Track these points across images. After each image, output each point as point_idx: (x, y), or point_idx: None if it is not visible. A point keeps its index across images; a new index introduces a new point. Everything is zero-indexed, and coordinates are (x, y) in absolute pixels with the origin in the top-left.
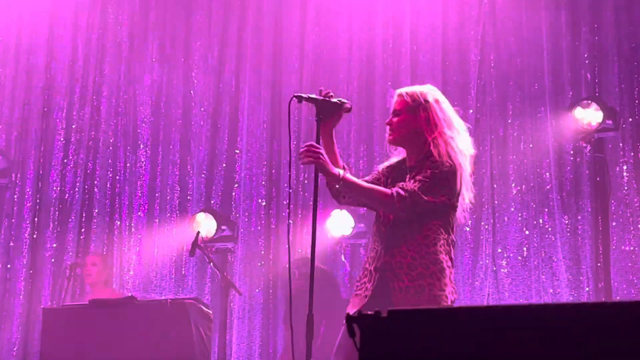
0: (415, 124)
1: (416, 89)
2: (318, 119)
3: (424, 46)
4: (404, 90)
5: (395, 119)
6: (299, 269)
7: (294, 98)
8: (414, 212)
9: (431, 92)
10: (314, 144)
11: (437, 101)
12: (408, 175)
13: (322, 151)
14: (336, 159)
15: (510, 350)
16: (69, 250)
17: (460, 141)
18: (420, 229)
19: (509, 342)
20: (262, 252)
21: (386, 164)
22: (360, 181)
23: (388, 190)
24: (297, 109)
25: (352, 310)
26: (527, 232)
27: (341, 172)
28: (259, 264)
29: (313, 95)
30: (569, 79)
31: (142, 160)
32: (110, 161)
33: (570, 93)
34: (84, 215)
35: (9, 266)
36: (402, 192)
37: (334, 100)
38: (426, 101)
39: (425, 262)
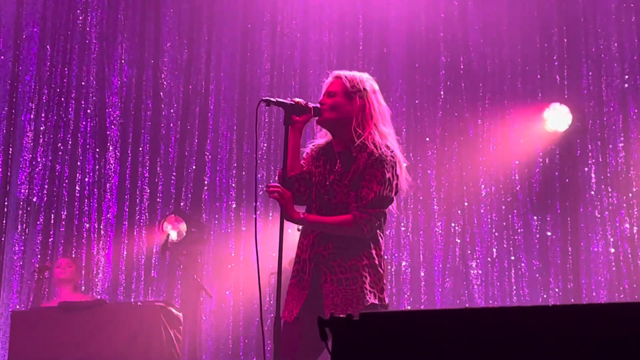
0: (350, 109)
1: (356, 74)
2: (286, 123)
3: (394, 48)
4: (342, 72)
5: (329, 100)
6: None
7: (262, 102)
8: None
9: (369, 80)
10: (278, 187)
11: (374, 91)
12: (348, 174)
13: (287, 195)
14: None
15: (485, 353)
16: (37, 253)
17: (393, 139)
18: None
19: (483, 345)
20: (232, 254)
21: (309, 151)
22: (321, 218)
23: (349, 217)
24: (267, 111)
25: (292, 302)
26: (496, 234)
27: (304, 212)
28: (229, 266)
29: (281, 100)
30: (539, 81)
31: (111, 162)
32: (79, 163)
33: (540, 95)
34: (52, 218)
35: None
36: (364, 215)
37: (302, 104)
38: (364, 89)
39: (358, 255)
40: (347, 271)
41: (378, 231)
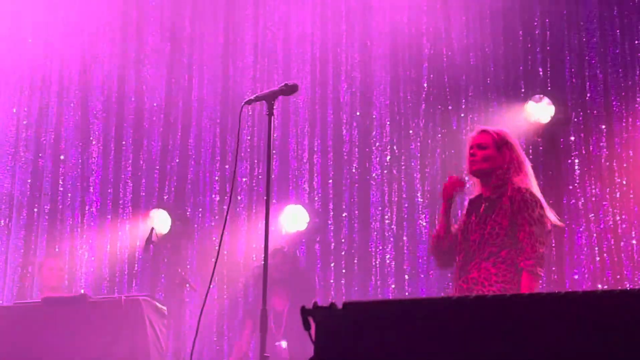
0: (500, 160)
1: (500, 129)
2: (269, 114)
3: (377, 41)
4: (489, 127)
5: (480, 152)
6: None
7: (245, 105)
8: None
9: (511, 134)
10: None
11: (516, 144)
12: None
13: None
14: None
15: (467, 339)
16: (20, 247)
17: (533, 180)
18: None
19: (465, 332)
20: (216, 248)
21: (464, 210)
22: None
23: (533, 278)
24: (252, 107)
25: None
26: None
27: None
28: (213, 259)
29: (259, 95)
30: (522, 74)
31: (94, 156)
32: (61, 157)
33: (523, 87)
34: (35, 212)
35: None
36: (537, 269)
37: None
38: (510, 142)
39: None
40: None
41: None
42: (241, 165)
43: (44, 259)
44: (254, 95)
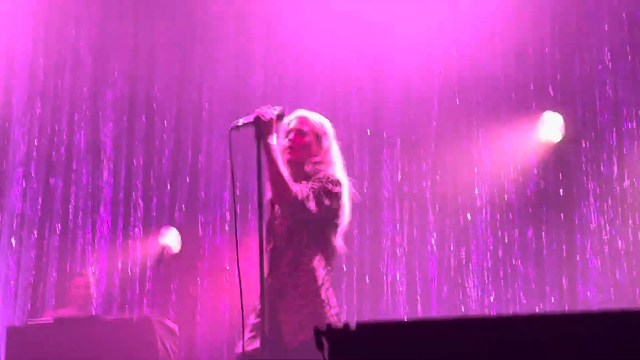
0: (317, 150)
1: (321, 117)
2: (257, 138)
3: (388, 59)
4: (309, 114)
5: (299, 138)
6: None
7: (232, 130)
8: (302, 216)
9: (329, 124)
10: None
11: (334, 136)
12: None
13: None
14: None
15: None
16: (31, 267)
17: (343, 176)
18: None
19: (480, 353)
20: (227, 267)
21: None
22: (281, 162)
23: (292, 186)
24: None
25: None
26: (491, 244)
27: (274, 142)
28: (224, 278)
29: (246, 120)
30: (532, 92)
31: (105, 175)
32: (72, 176)
33: (533, 106)
34: (46, 231)
35: None
36: (303, 195)
37: (264, 117)
38: (329, 133)
39: (306, 280)
40: (297, 298)
41: (323, 253)
42: (252, 183)
43: (70, 277)
44: (242, 122)
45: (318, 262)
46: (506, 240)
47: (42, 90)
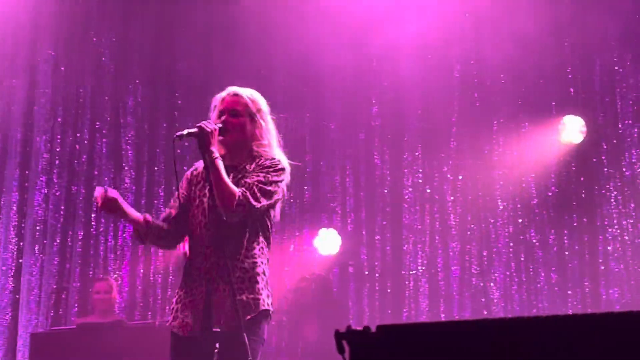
0: (252, 130)
1: (254, 93)
2: (200, 147)
3: (408, 63)
4: (241, 91)
5: (233, 120)
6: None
7: (176, 138)
8: (248, 216)
9: (263, 99)
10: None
11: (268, 111)
12: (239, 175)
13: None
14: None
15: None
16: (54, 274)
17: (280, 151)
18: (241, 233)
19: (503, 355)
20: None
21: (188, 175)
22: (224, 172)
23: (236, 190)
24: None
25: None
26: (513, 247)
27: (216, 154)
28: None
29: (190, 130)
30: (553, 94)
31: (127, 182)
32: (94, 183)
33: (554, 108)
34: (68, 238)
35: None
36: (248, 196)
37: (206, 129)
38: (261, 110)
39: (244, 266)
40: (233, 284)
41: (262, 239)
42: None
43: (92, 282)
44: (186, 131)
45: (259, 250)
46: (528, 243)
47: (64, 98)
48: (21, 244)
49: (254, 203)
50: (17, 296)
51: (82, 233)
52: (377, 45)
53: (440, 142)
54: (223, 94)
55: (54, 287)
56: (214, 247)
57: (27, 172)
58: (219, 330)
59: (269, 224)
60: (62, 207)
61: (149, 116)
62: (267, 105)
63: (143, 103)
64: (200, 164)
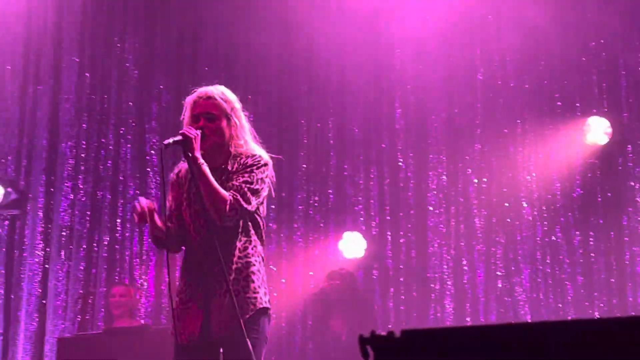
0: (229, 130)
1: (225, 91)
2: (185, 154)
3: (431, 66)
4: (214, 92)
5: (210, 125)
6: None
7: (163, 147)
8: (241, 217)
9: (233, 95)
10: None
11: (240, 107)
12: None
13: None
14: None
15: None
16: (80, 279)
17: (255, 144)
18: (234, 234)
19: None
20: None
21: (174, 177)
22: (212, 178)
23: (226, 195)
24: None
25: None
26: (539, 250)
27: (202, 159)
28: (270, 288)
29: (175, 139)
30: (578, 95)
31: (152, 187)
32: (120, 189)
33: (579, 109)
34: (94, 244)
35: (18, 296)
36: (239, 199)
37: (190, 135)
38: (234, 108)
39: (238, 267)
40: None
41: (255, 237)
42: (297, 193)
43: (108, 287)
44: (172, 140)
45: (252, 249)
46: (554, 245)
47: (88, 104)
48: (47, 249)
49: (246, 205)
50: (43, 301)
51: (107, 238)
52: (400, 48)
53: (464, 144)
54: (194, 96)
55: (80, 292)
56: (208, 253)
57: (52, 178)
58: (219, 335)
59: (259, 221)
60: (88, 213)
61: (173, 122)
62: (238, 101)
63: (167, 108)
64: (182, 165)
